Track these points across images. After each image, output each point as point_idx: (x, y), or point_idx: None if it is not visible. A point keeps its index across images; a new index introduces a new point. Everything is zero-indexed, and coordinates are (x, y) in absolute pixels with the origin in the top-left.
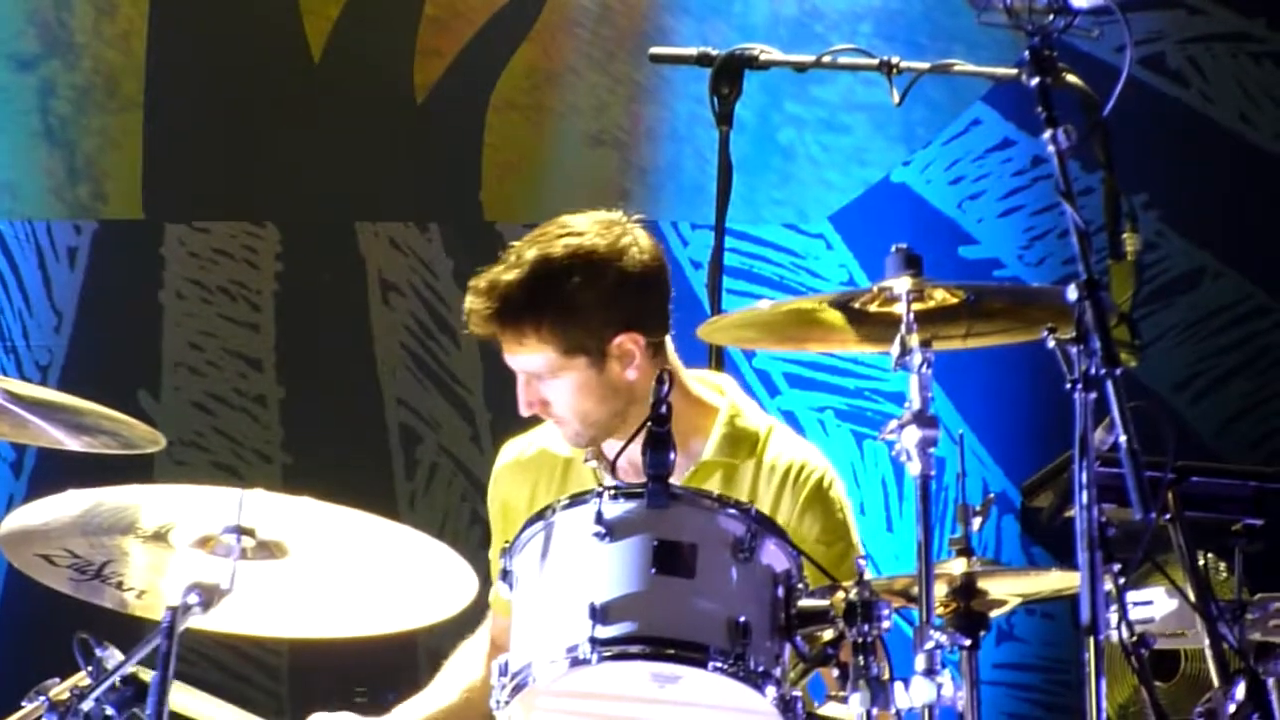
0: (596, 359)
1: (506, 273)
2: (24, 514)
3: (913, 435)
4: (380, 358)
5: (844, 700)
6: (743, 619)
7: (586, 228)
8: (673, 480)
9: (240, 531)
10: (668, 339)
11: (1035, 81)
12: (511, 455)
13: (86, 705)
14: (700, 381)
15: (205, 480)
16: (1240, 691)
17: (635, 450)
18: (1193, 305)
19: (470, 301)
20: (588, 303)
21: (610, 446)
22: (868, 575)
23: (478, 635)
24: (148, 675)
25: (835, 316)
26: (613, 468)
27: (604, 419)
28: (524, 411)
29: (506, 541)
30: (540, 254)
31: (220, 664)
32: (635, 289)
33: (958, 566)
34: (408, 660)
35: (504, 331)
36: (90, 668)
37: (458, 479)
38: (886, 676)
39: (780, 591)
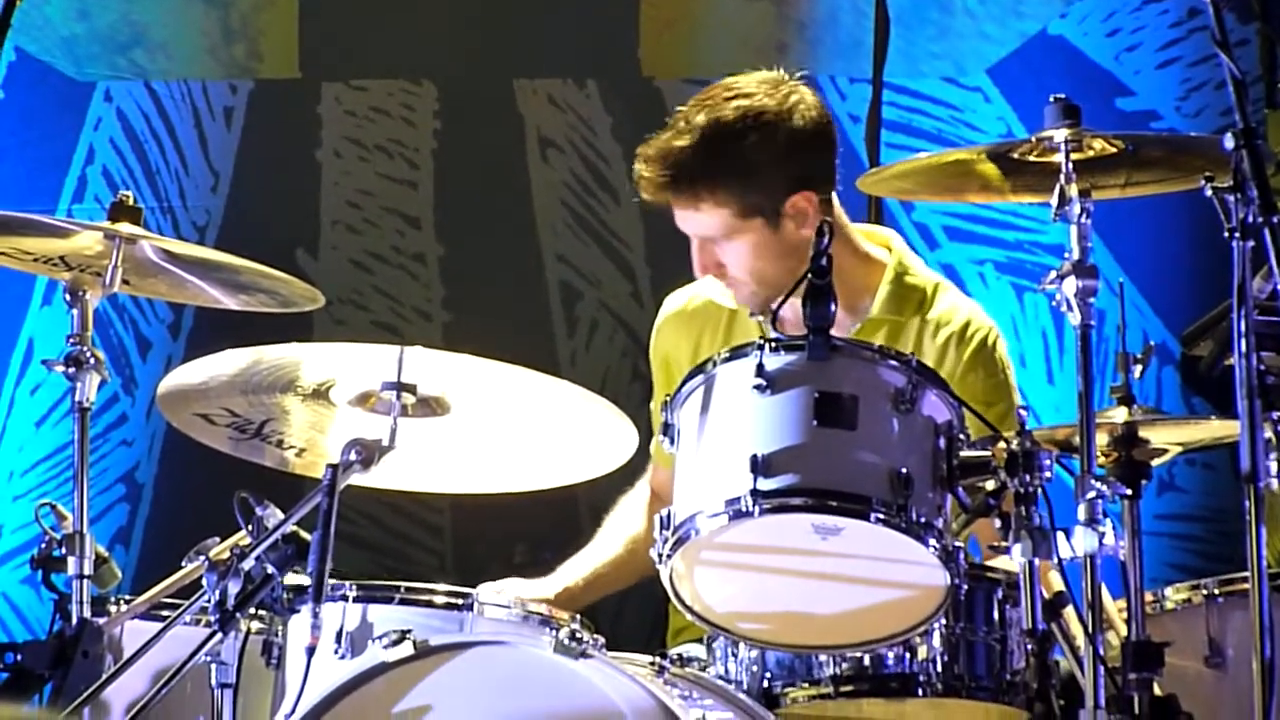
0: (772, 219)
1: (678, 138)
2: (183, 373)
3: (1072, 285)
4: (539, 215)
5: (1005, 550)
6: (904, 470)
7: (754, 89)
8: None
9: (400, 388)
10: (834, 195)
11: None
12: (675, 306)
13: (247, 564)
14: (867, 237)
15: (365, 338)
16: None
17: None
18: None
19: (641, 169)
20: (762, 163)
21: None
22: (1029, 426)
23: (638, 488)
24: (308, 534)
25: (993, 168)
26: (775, 320)
27: (779, 278)
28: (699, 275)
29: (668, 394)
30: (711, 117)
31: (381, 523)
32: (806, 147)
33: (1119, 415)
34: (569, 516)
35: (679, 198)
36: (250, 527)
37: (618, 335)
38: (1048, 526)
39: (941, 443)
